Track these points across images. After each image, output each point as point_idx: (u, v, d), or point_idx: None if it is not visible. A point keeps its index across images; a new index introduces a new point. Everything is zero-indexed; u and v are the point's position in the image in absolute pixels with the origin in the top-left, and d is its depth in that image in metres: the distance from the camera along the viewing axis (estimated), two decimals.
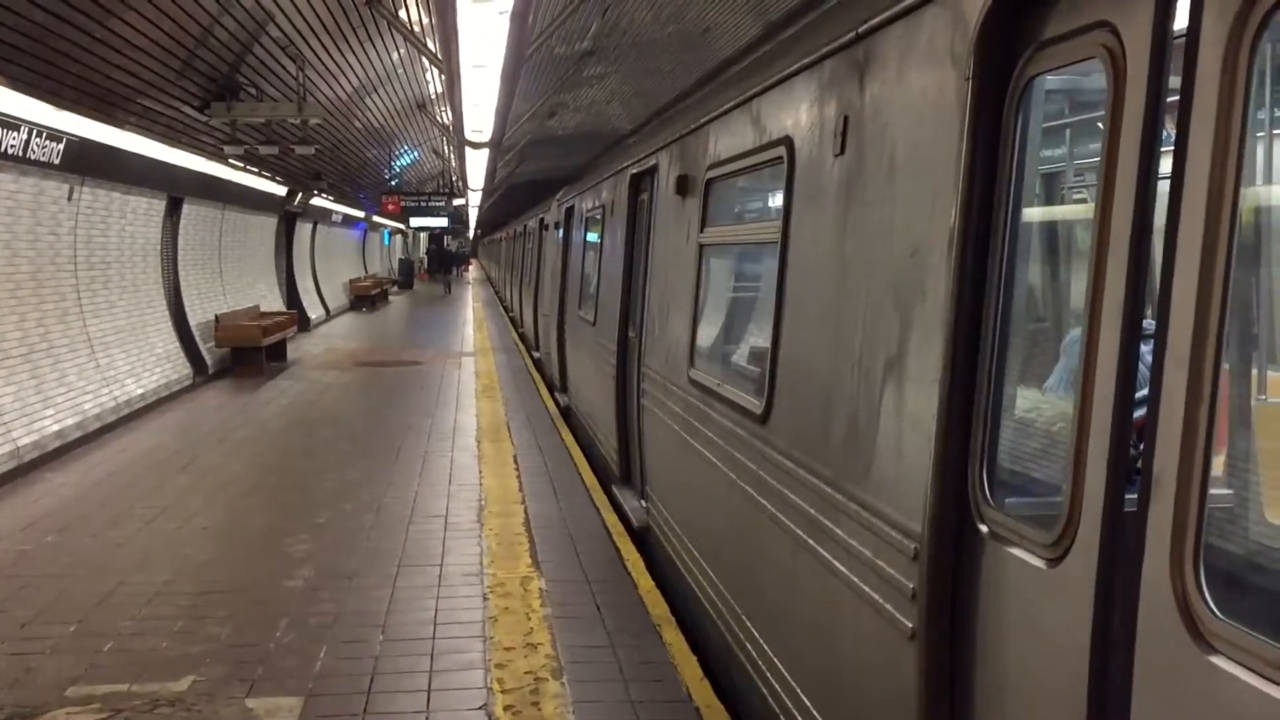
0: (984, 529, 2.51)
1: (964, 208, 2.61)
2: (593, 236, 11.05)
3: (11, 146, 8.85)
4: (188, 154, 13.36)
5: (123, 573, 6.37)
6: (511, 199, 43.00)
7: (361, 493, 8.39)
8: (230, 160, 14.75)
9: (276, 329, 16.94)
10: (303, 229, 24.74)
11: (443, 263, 49.93)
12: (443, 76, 10.88)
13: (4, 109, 8.49)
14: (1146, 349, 2.01)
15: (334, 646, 5.24)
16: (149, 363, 13.12)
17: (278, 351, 17.32)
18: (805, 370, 3.84)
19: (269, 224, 21.02)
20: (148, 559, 6.66)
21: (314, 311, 25.10)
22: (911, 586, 2.77)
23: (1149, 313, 2.24)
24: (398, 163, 25.87)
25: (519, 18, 6.48)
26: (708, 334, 6.06)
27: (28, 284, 10.05)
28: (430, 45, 11.16)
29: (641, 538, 7.06)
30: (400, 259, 49.67)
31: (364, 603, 5.87)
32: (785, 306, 4.09)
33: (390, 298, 37.66)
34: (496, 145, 14.57)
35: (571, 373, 12.41)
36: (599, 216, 10.28)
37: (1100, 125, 2.21)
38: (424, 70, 14.60)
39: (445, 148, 23.61)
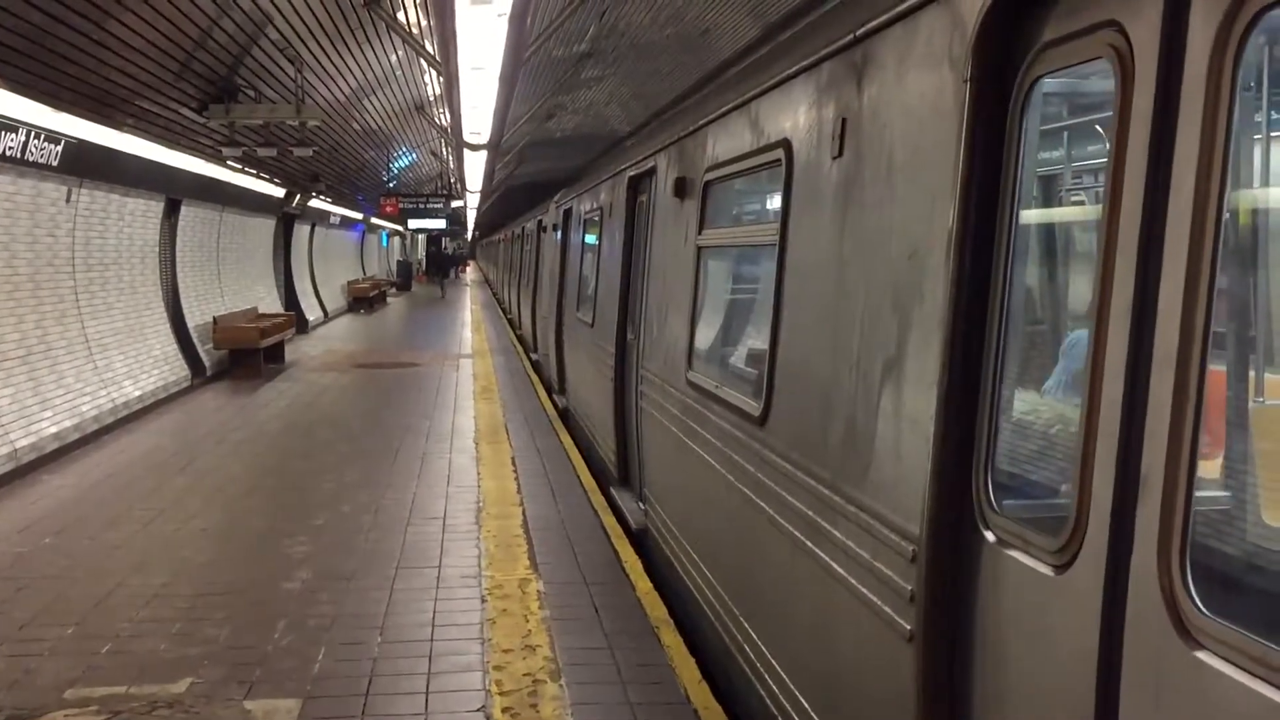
0: (989, 535, 2.51)
1: (962, 210, 2.61)
2: (591, 238, 11.06)
3: (10, 148, 8.85)
4: (186, 156, 13.36)
5: (121, 574, 6.37)
6: (510, 201, 43.02)
7: (360, 494, 8.39)
8: (228, 162, 14.75)
9: (274, 331, 16.94)
10: (301, 231, 24.74)
11: (438, 265, 49.83)
12: (441, 79, 10.88)
13: (2, 110, 8.49)
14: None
15: (332, 648, 5.24)
16: (147, 364, 13.11)
17: (276, 353, 17.31)
18: (803, 372, 3.84)
19: (267, 226, 21.02)
20: (146, 561, 6.66)
21: (312, 313, 25.09)
22: (910, 588, 2.77)
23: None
24: (396, 165, 25.87)
25: (517, 20, 6.49)
26: (706, 336, 6.07)
27: (26, 286, 10.05)
28: (429, 47, 11.17)
29: (640, 540, 7.06)
30: (398, 261, 49.65)
31: (362, 604, 5.87)
32: (783, 309, 4.09)
33: (388, 299, 37.65)
34: (495, 147, 14.58)
35: (570, 374, 12.42)
36: (597, 218, 10.28)
37: (1099, 128, 2.21)
38: (422, 72, 14.61)
39: (443, 150, 23.63)
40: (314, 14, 10.30)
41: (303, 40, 11.11)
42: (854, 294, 3.35)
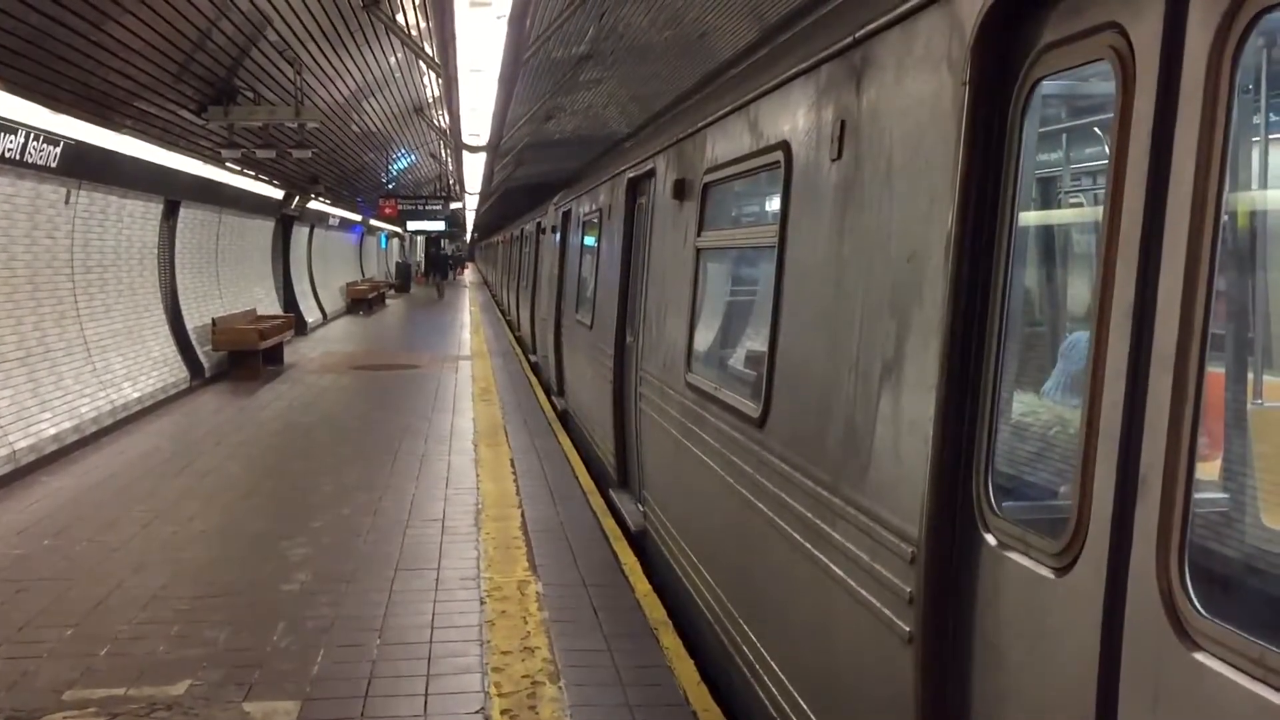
0: (989, 537, 2.51)
1: (961, 212, 2.61)
2: (590, 240, 11.06)
3: (9, 150, 8.85)
4: (185, 157, 13.36)
5: (120, 576, 6.36)
6: (508, 203, 43.02)
7: (359, 496, 8.39)
8: (227, 164, 14.75)
9: (273, 332, 16.94)
10: (300, 232, 24.74)
11: (437, 267, 49.76)
12: (440, 80, 10.88)
13: (1, 112, 8.49)
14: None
15: (331, 650, 5.24)
16: (146, 366, 13.11)
17: (275, 355, 17.32)
18: (803, 374, 3.84)
19: (266, 227, 21.02)
20: (144, 562, 6.65)
21: (311, 315, 25.09)
22: (909, 590, 2.77)
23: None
24: (395, 166, 25.87)
25: (516, 22, 6.49)
26: (705, 338, 6.07)
27: (25, 287, 10.05)
28: (428, 49, 11.18)
29: (639, 541, 7.06)
30: (397, 262, 49.63)
31: (361, 606, 5.86)
32: (782, 311, 4.09)
33: (387, 301, 37.65)
34: (493, 149, 14.58)
35: (568, 376, 12.42)
36: (596, 220, 10.29)
37: (1098, 130, 2.21)
38: (421, 74, 14.61)
39: (442, 151, 23.61)
40: (313, 16, 10.30)
41: (302, 42, 11.11)
42: (853, 296, 3.35)
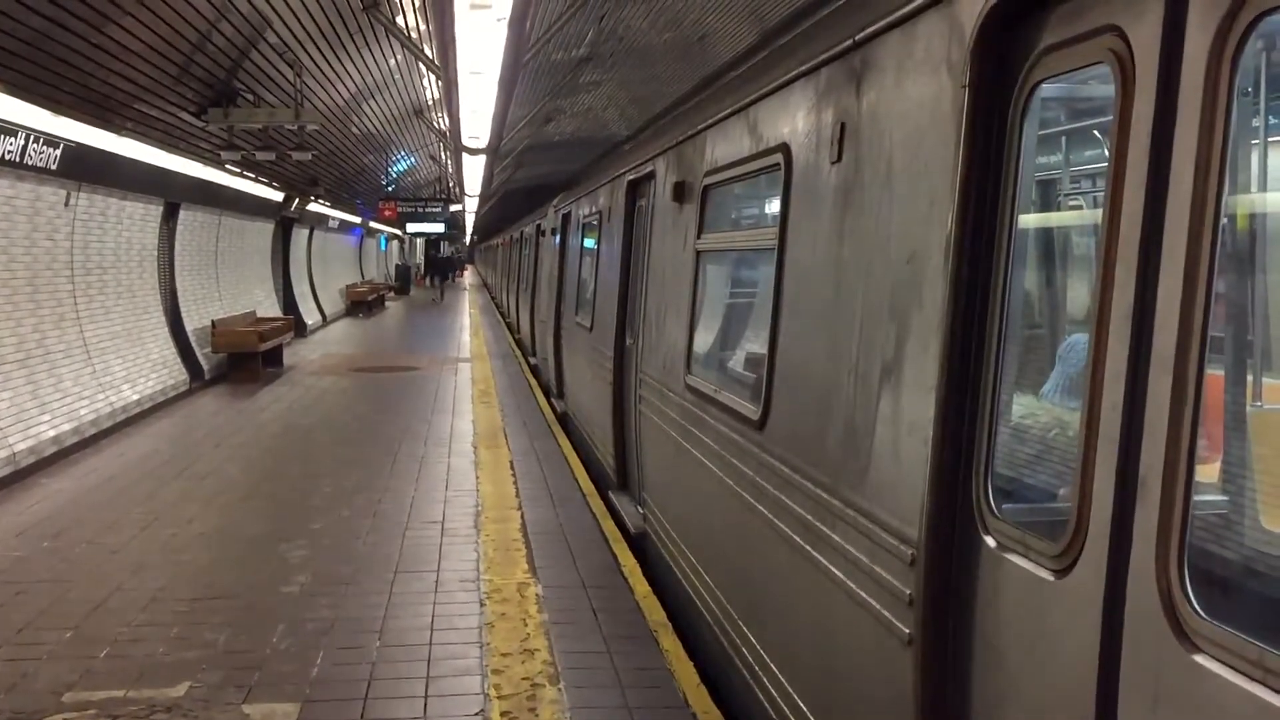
0: (989, 540, 2.51)
1: (961, 214, 2.61)
2: (590, 242, 11.07)
3: (9, 152, 8.85)
4: (185, 159, 13.37)
5: (119, 578, 6.36)
6: (508, 205, 43.05)
7: (358, 498, 8.39)
8: (227, 166, 14.75)
9: (273, 334, 16.93)
10: (299, 234, 24.74)
11: (436, 269, 49.64)
12: (440, 83, 10.89)
13: (1, 114, 8.50)
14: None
15: (331, 652, 5.24)
16: (145, 368, 13.11)
17: (274, 357, 17.31)
18: (802, 376, 3.85)
19: (265, 229, 21.02)
20: (144, 564, 6.65)
21: (310, 317, 25.09)
22: (909, 592, 2.78)
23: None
24: (395, 168, 25.88)
25: (516, 24, 6.50)
26: (705, 340, 6.07)
27: (24, 289, 10.05)
28: (427, 51, 11.19)
29: (638, 544, 7.06)
30: (397, 265, 49.58)
31: (361, 608, 5.86)
32: (782, 313, 4.10)
33: (387, 303, 37.65)
34: (493, 151, 14.59)
35: (568, 378, 12.42)
36: (596, 222, 10.29)
37: (1097, 133, 2.21)
38: (421, 76, 14.62)
39: (442, 153, 23.62)
40: (313, 18, 10.31)
41: (301, 44, 11.12)
42: (853, 298, 3.36)
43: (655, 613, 5.80)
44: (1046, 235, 3.47)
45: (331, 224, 28.29)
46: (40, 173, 9.66)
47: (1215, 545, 2.56)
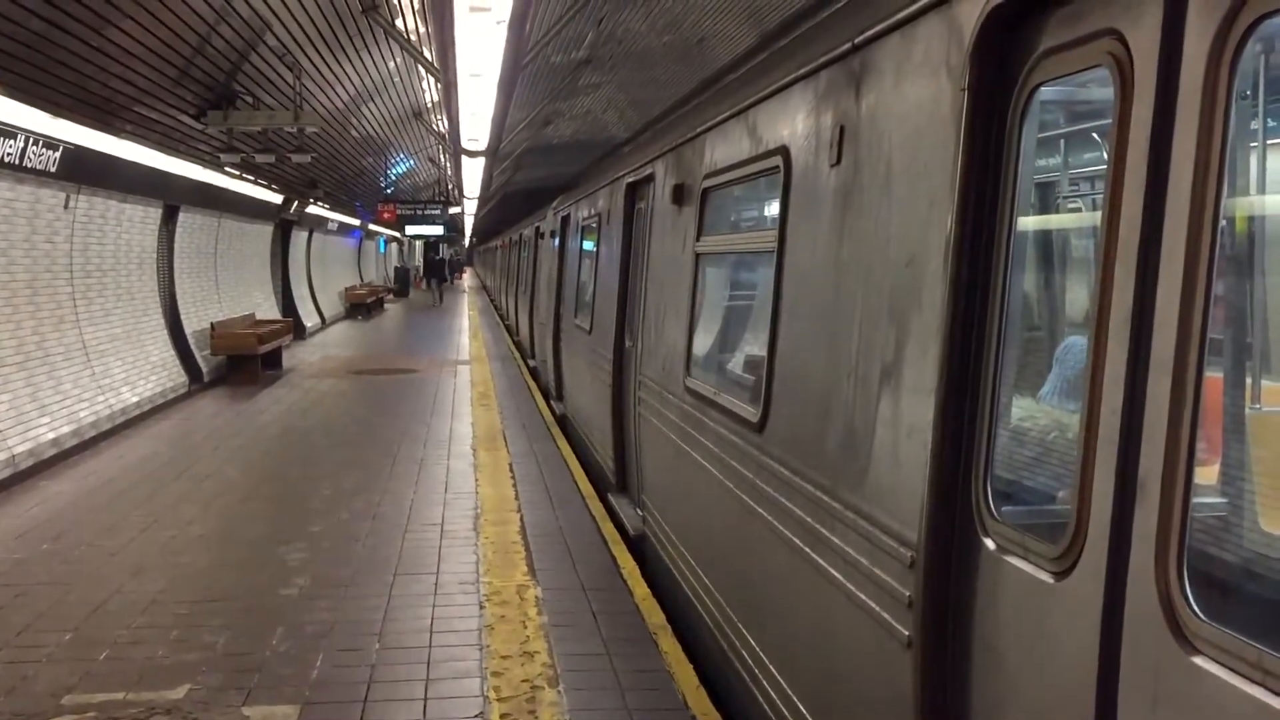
0: (988, 542, 2.51)
1: (960, 216, 2.62)
2: (589, 245, 11.07)
3: (8, 154, 8.86)
4: (184, 162, 13.38)
5: (118, 580, 6.36)
6: (507, 207, 43.04)
7: (357, 501, 8.38)
8: (226, 168, 14.76)
9: (272, 337, 16.94)
10: (298, 237, 24.75)
11: (433, 271, 49.54)
12: (439, 85, 10.90)
13: (1, 117, 8.50)
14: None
15: (330, 655, 5.24)
16: (144, 371, 13.11)
17: (273, 359, 17.31)
18: (802, 379, 3.85)
19: (265, 232, 21.03)
20: (143, 567, 6.65)
21: (309, 319, 25.09)
22: (908, 594, 2.78)
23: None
24: (394, 171, 25.90)
25: (516, 26, 6.51)
26: (704, 343, 6.07)
27: (24, 292, 10.05)
28: (427, 54, 11.19)
29: (638, 546, 7.06)
30: (396, 267, 49.56)
31: (360, 611, 5.86)
32: (782, 315, 4.10)
33: (386, 306, 37.65)
34: (492, 154, 14.60)
35: (567, 381, 12.42)
36: (595, 225, 10.29)
37: (1096, 136, 2.22)
38: (420, 79, 14.63)
39: (441, 156, 23.63)
40: (312, 20, 10.32)
41: (301, 47, 11.13)
42: (852, 300, 3.36)
43: (655, 615, 5.80)
44: (1046, 238, 3.47)
45: (330, 226, 28.31)
46: (40, 175, 9.66)
47: (1214, 548, 2.56)
